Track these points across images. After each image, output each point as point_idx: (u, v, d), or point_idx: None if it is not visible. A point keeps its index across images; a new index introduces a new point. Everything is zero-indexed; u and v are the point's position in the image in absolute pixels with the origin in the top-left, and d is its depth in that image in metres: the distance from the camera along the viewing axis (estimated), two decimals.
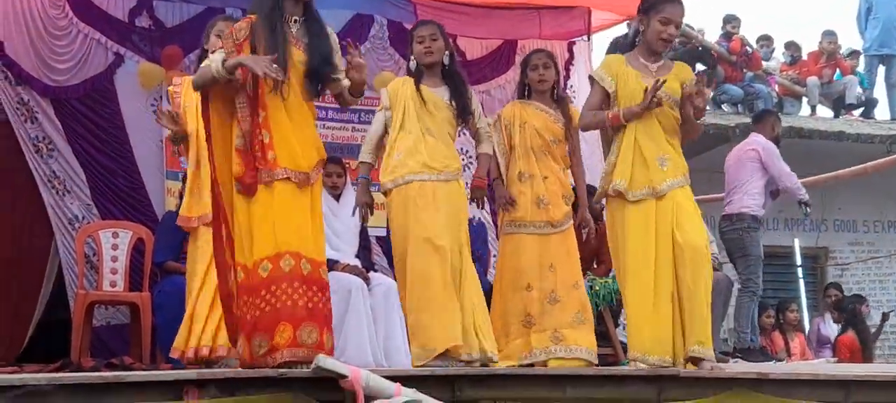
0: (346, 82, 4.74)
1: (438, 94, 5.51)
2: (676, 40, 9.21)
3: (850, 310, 10.26)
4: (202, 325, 5.35)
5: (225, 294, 4.66)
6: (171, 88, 5.76)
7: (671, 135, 5.24)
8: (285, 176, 4.49)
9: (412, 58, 5.59)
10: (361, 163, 5.60)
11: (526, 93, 6.11)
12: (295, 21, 4.63)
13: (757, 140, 8.17)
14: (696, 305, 5.04)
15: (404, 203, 5.31)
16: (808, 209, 8.20)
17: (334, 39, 4.79)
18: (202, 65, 4.67)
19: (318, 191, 4.70)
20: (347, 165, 6.94)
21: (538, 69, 6.01)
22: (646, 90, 5.09)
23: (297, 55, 4.58)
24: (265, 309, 4.39)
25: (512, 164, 5.98)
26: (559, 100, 6.12)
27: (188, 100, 5.53)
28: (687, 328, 5.06)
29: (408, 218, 5.28)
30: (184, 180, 6.60)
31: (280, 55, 4.47)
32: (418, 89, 5.49)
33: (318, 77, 4.65)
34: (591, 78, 5.42)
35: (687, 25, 10.79)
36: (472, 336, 5.27)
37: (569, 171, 6.13)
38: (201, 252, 5.42)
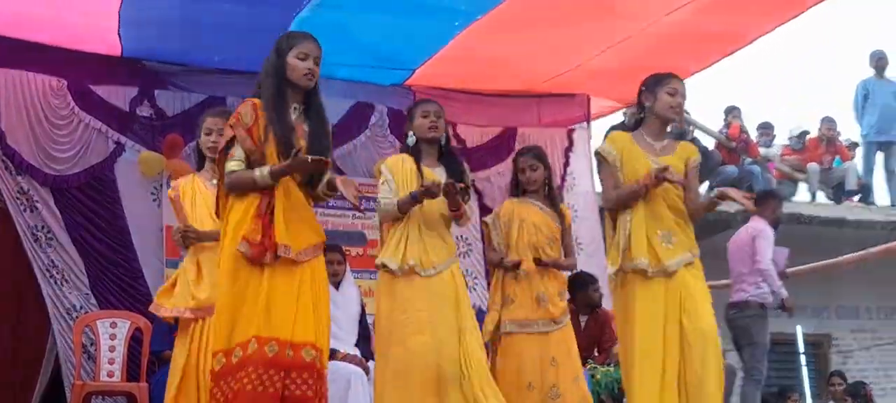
0: (328, 176, 4.74)
1: (436, 174, 5.43)
2: (672, 126, 9.26)
3: (863, 397, 10.17)
4: None
5: None
6: (171, 193, 5.68)
7: (676, 214, 5.23)
8: (283, 254, 4.47)
9: (411, 134, 5.50)
10: (399, 200, 5.34)
11: (520, 190, 6.17)
12: (294, 108, 4.65)
13: (754, 226, 8.15)
14: (705, 393, 4.97)
15: (392, 291, 5.29)
16: (789, 310, 8.12)
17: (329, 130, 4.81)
18: (233, 170, 4.56)
19: (318, 273, 4.64)
20: (347, 252, 6.91)
21: (526, 172, 6.10)
22: (655, 168, 5.10)
23: (298, 143, 4.59)
24: (228, 396, 4.33)
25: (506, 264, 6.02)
26: (551, 199, 6.18)
27: (185, 199, 5.46)
28: None
29: (394, 309, 5.26)
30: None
31: (288, 143, 4.49)
32: (419, 169, 5.41)
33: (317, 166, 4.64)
34: (597, 154, 5.35)
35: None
36: None
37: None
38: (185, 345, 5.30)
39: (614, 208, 5.25)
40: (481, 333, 5.62)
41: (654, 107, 5.26)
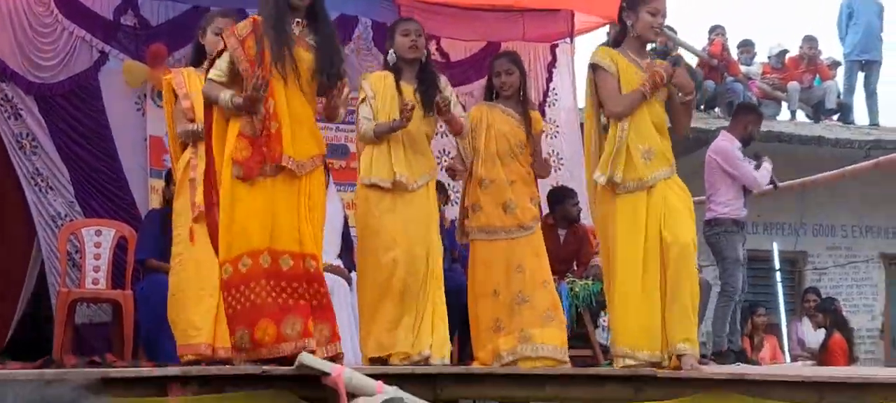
0: (347, 91, 4.84)
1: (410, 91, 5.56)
2: (655, 43, 9.29)
3: (833, 312, 10.33)
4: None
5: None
6: (169, 77, 5.67)
7: (660, 129, 5.35)
8: (287, 164, 4.56)
9: (391, 52, 5.58)
10: (377, 124, 5.46)
11: (493, 96, 6.06)
12: (297, 23, 4.70)
13: (717, 146, 8.10)
14: (680, 303, 5.11)
15: (367, 204, 5.46)
16: (775, 185, 8.32)
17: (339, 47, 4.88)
18: (211, 78, 4.71)
19: (317, 183, 4.75)
20: (330, 165, 6.97)
21: (501, 76, 5.96)
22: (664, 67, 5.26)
23: (302, 55, 4.68)
24: (245, 305, 4.45)
25: (474, 170, 5.93)
26: (523, 106, 6.03)
27: (194, 89, 5.44)
28: (670, 325, 5.12)
29: (369, 221, 5.46)
30: (169, 177, 6.64)
31: (282, 56, 4.59)
32: (398, 88, 5.52)
33: (325, 75, 4.74)
34: (594, 66, 5.40)
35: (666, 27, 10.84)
36: (426, 336, 5.43)
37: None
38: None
39: (624, 113, 5.28)
40: (457, 237, 5.97)
41: (636, 26, 5.32)
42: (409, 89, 5.53)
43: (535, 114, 6.13)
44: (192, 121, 5.46)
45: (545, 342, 5.66)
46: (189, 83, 5.53)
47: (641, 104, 5.25)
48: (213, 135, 4.74)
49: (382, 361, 5.37)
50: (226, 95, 4.62)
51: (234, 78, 4.70)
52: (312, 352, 4.44)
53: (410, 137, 5.52)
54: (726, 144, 8.03)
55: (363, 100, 5.53)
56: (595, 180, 5.35)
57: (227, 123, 4.72)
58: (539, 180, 6.16)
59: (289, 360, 4.45)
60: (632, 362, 5.12)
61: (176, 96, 5.59)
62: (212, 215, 4.74)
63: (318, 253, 4.70)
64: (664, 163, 5.29)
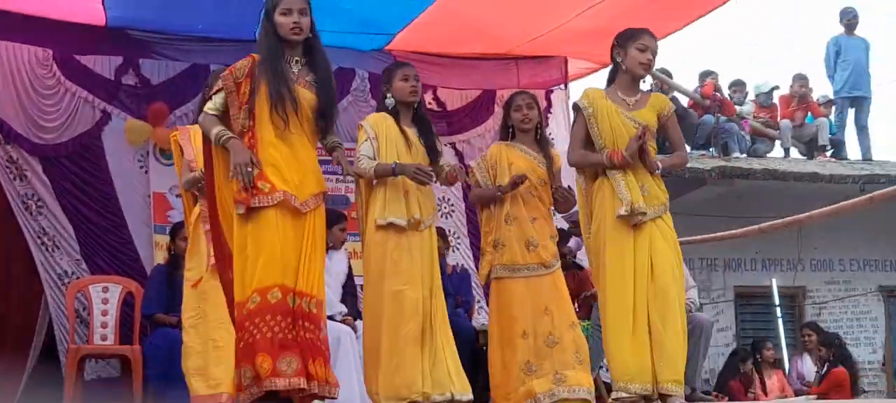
0: (333, 139, 4.92)
1: (412, 135, 5.59)
2: (649, 83, 9.41)
3: (837, 345, 10.39)
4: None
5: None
6: (176, 135, 5.76)
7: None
8: (283, 199, 4.60)
9: (389, 96, 5.61)
10: (378, 165, 5.47)
11: (509, 135, 6.07)
12: (296, 62, 4.79)
13: None
14: (665, 344, 5.17)
15: (384, 245, 5.42)
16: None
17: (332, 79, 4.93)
18: (206, 111, 4.75)
19: (319, 222, 4.79)
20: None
21: (522, 109, 5.96)
22: (631, 139, 5.26)
23: (303, 93, 4.71)
24: (248, 341, 4.49)
25: (498, 207, 5.91)
26: (541, 142, 6.06)
27: (198, 145, 5.44)
28: (657, 364, 5.19)
29: (386, 263, 5.41)
30: (173, 232, 6.74)
31: (282, 97, 4.62)
32: (401, 129, 5.55)
33: (327, 114, 4.81)
34: (574, 107, 5.50)
35: (657, 70, 10.97)
36: (445, 376, 5.39)
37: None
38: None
39: (576, 165, 5.43)
40: (478, 276, 5.91)
41: (625, 62, 5.41)
42: (411, 132, 5.59)
43: (555, 152, 6.14)
44: (193, 170, 5.57)
45: (580, 384, 5.68)
46: (195, 140, 5.62)
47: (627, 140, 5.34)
48: (215, 172, 4.77)
49: None
50: (217, 130, 4.66)
51: (227, 113, 4.74)
52: (303, 390, 4.48)
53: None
54: None
55: (365, 139, 5.53)
56: (618, 212, 5.39)
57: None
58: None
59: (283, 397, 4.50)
60: (625, 395, 5.19)
61: (182, 151, 5.69)
62: (220, 262, 4.81)
63: (321, 296, 4.74)
64: (655, 202, 5.37)
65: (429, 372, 5.37)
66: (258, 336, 4.46)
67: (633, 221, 5.25)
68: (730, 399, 9.06)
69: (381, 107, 5.70)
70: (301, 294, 4.58)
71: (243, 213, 4.58)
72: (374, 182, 5.50)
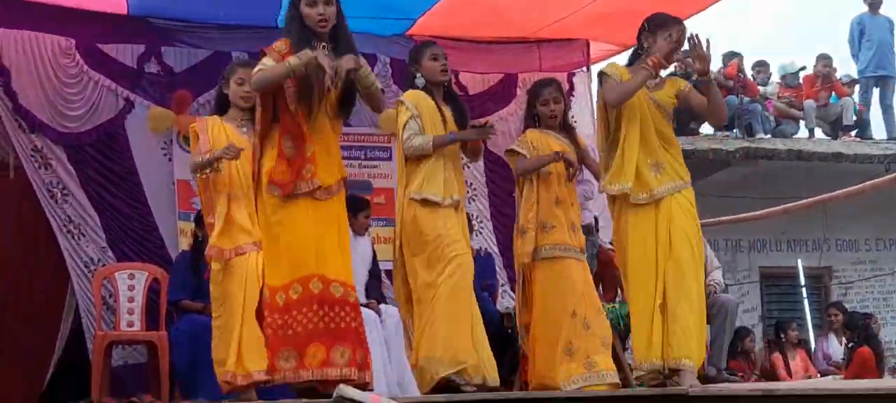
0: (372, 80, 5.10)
1: (447, 112, 5.63)
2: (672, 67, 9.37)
3: (862, 326, 10.34)
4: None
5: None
6: (194, 125, 5.73)
7: (664, 141, 5.45)
8: (318, 186, 4.68)
9: (419, 75, 5.61)
10: (435, 137, 5.46)
11: (536, 123, 6.09)
12: (323, 47, 4.82)
13: None
14: (680, 321, 5.17)
15: (423, 216, 5.39)
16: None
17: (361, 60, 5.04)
18: (263, 65, 4.86)
19: (341, 208, 4.85)
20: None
21: (549, 104, 5.99)
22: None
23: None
24: (297, 329, 4.54)
25: (547, 190, 5.89)
26: (568, 130, 6.12)
27: (216, 134, 5.40)
28: (671, 340, 5.19)
29: (425, 231, 5.35)
30: (198, 219, 6.74)
31: (310, 85, 4.79)
32: (439, 107, 5.57)
33: (349, 99, 4.94)
34: (600, 75, 5.54)
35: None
36: (480, 361, 5.38)
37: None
38: (238, 278, 5.17)
39: (620, 101, 5.36)
40: (516, 257, 5.96)
41: (652, 49, 5.41)
42: (447, 110, 5.61)
43: (580, 136, 6.24)
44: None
45: (608, 369, 5.72)
46: (211, 131, 5.56)
47: (644, 118, 5.32)
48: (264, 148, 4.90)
49: (452, 384, 5.21)
50: (287, 61, 4.75)
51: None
52: (353, 380, 4.54)
53: (454, 156, 5.61)
54: None
55: (409, 116, 5.48)
56: (604, 189, 5.44)
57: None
58: None
59: (327, 385, 4.54)
60: (640, 373, 5.23)
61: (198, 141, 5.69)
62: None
63: (351, 281, 4.80)
64: (674, 177, 5.37)
65: (472, 346, 5.36)
66: (310, 326, 4.52)
67: (635, 201, 5.29)
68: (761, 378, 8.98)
69: (408, 89, 5.70)
70: (339, 283, 4.64)
71: (279, 197, 4.64)
72: (426, 155, 5.44)
